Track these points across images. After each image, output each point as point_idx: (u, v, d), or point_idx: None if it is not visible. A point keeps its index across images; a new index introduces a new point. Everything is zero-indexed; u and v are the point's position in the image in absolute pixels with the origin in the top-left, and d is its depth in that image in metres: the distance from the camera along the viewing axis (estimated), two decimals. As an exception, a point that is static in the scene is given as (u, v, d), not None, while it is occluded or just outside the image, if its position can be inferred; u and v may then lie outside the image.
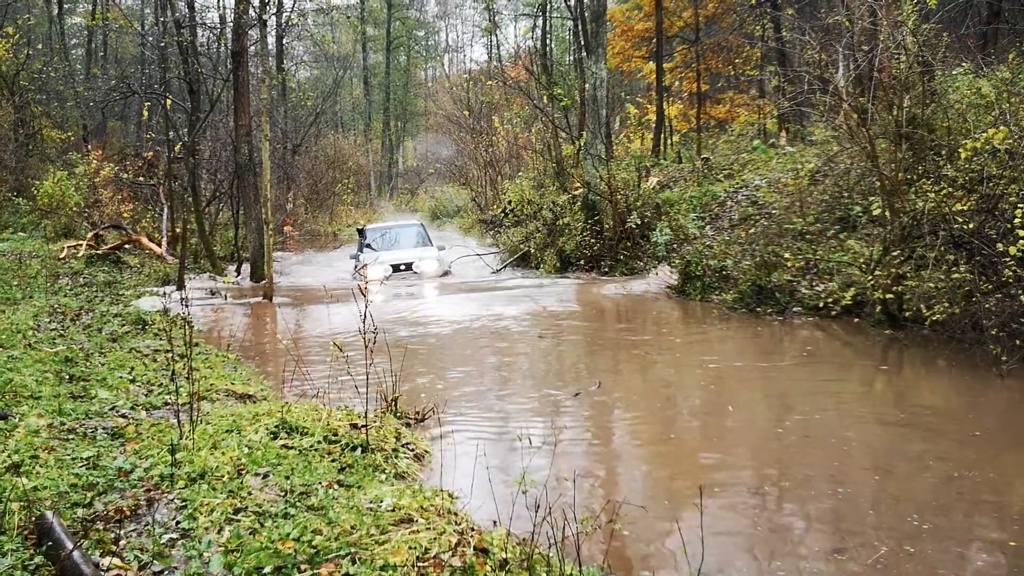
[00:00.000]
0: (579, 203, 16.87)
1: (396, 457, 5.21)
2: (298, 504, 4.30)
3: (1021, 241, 7.80)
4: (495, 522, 4.12)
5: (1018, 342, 7.50)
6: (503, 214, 22.14)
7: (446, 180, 33.24)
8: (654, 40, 23.55)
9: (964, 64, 11.19)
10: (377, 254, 17.61)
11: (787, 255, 11.24)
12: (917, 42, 10.11)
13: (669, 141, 23.27)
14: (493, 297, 13.29)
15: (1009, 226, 8.11)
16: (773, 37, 20.40)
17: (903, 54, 10.19)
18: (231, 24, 17.36)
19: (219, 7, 23.33)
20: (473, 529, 4.07)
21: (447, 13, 49.72)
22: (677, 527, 4.11)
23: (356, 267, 17.73)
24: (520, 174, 23.22)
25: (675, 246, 13.54)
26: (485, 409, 6.62)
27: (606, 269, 14.87)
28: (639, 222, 14.64)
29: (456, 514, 4.23)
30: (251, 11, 15.88)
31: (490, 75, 31.12)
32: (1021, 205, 8.02)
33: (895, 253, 9.42)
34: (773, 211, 12.66)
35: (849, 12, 11.51)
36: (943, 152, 9.86)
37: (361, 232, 19.67)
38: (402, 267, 17.06)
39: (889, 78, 10.47)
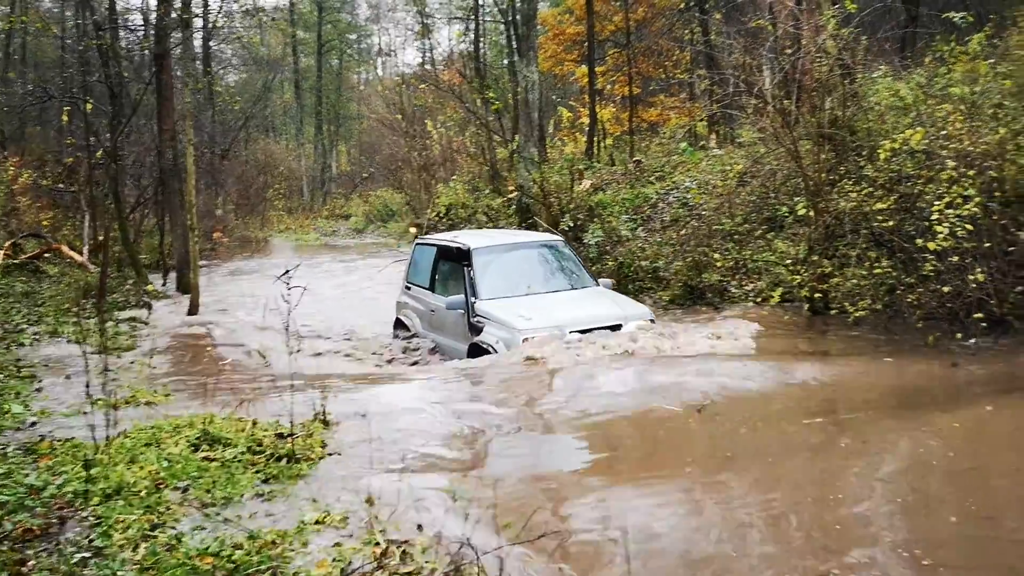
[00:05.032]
0: (513, 206, 16.86)
1: (323, 465, 5.11)
2: (218, 518, 4.19)
3: (939, 236, 8.06)
4: (419, 526, 4.05)
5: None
6: (437, 218, 22.03)
7: (380, 184, 32.95)
8: (586, 44, 23.68)
9: (883, 67, 11.48)
10: (532, 310, 8.74)
11: (717, 255, 11.41)
12: (837, 46, 10.35)
13: (602, 144, 23.44)
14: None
15: (927, 223, 8.35)
16: (701, 41, 20.69)
17: (824, 57, 10.42)
18: (154, 26, 16.95)
19: (142, 9, 22.79)
20: (401, 539, 4.00)
21: (379, 16, 49.34)
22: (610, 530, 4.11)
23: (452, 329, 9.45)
24: (454, 178, 23.13)
25: (608, 248, 13.60)
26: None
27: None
28: (572, 224, 14.69)
29: (384, 523, 4.16)
30: (174, 13, 15.52)
31: (423, 79, 30.96)
32: (937, 203, 8.27)
33: (819, 252, 9.62)
34: (703, 212, 12.82)
35: (772, 16, 11.75)
36: (864, 153, 10.11)
37: (464, 254, 9.55)
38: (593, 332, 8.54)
39: (811, 81, 10.70)
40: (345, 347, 10.68)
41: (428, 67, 35.53)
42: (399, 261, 19.61)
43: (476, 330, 8.82)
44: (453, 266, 9.92)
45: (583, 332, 8.32)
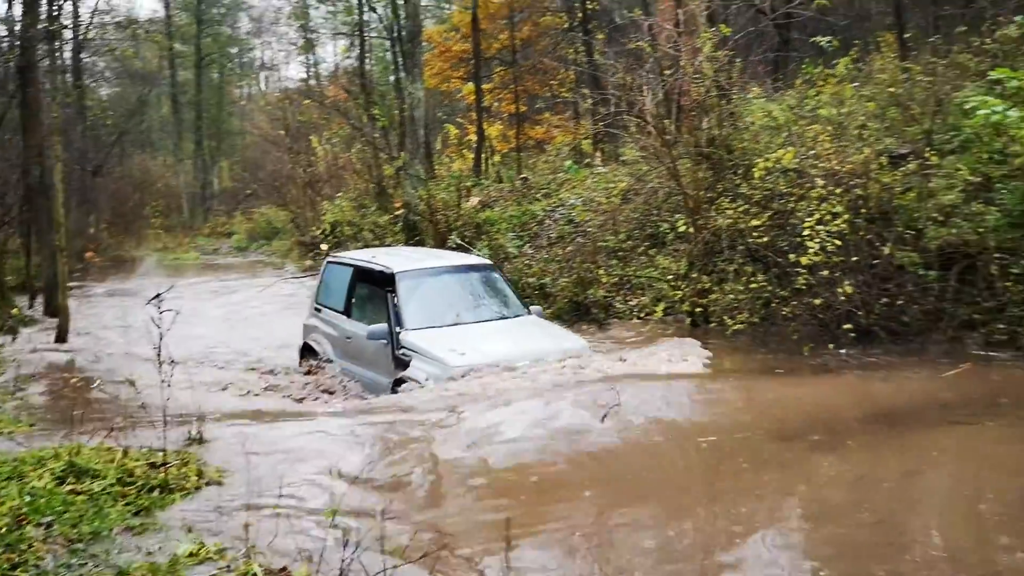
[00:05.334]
0: (400, 223, 16.75)
1: (198, 495, 4.91)
2: (85, 554, 3.96)
3: (810, 251, 8.43)
4: (303, 557, 3.94)
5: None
6: (323, 235, 21.66)
7: (264, 201, 32.19)
8: (472, 61, 23.81)
9: (756, 89, 11.95)
10: (464, 342, 8.04)
11: (601, 272, 11.60)
12: (713, 68, 10.71)
13: (489, 161, 23.57)
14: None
15: (799, 239, 8.70)
16: (585, 61, 21.06)
17: (701, 79, 10.76)
18: (19, 37, 16.11)
19: (6, 19, 21.68)
20: (279, 568, 3.88)
21: (261, 30, 48.26)
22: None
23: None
24: (340, 195, 22.82)
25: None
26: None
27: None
28: (458, 242, 14.69)
29: (261, 553, 4.02)
30: (40, 24, 14.82)
31: (307, 94, 30.48)
32: (808, 220, 8.64)
33: (699, 267, 9.92)
34: (588, 229, 13.02)
35: (652, 38, 12.06)
36: (740, 171, 10.48)
37: (387, 279, 8.76)
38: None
39: (690, 101, 11.04)
40: (230, 375, 10.32)
41: (313, 82, 35.04)
42: (285, 280, 19.23)
43: (402, 364, 8.04)
44: (373, 290, 9.11)
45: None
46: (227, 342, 12.49)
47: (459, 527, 4.62)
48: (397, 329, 8.27)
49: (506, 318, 8.91)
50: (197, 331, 12.11)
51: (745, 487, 5.15)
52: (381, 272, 8.93)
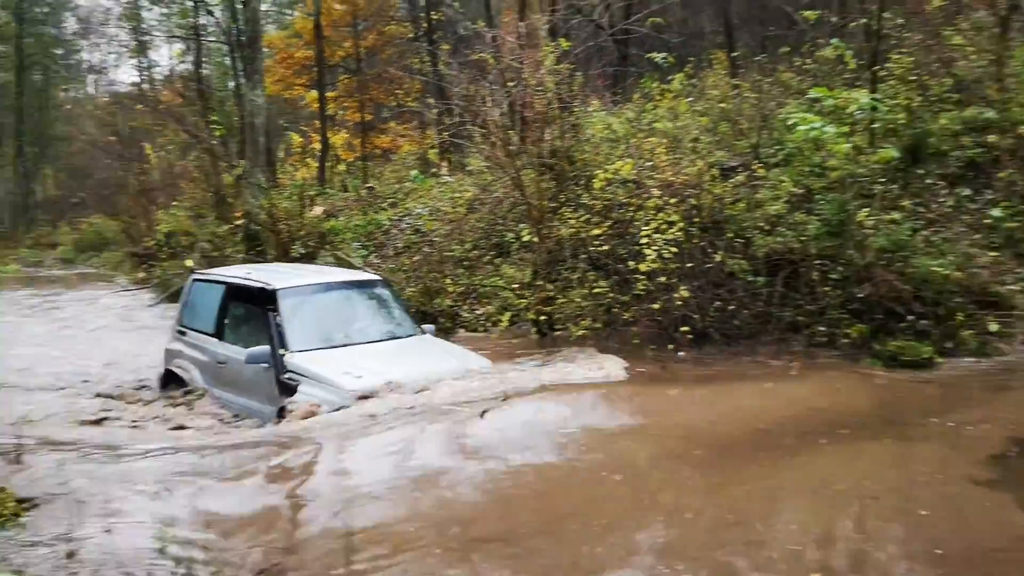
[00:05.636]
0: (240, 234, 16.23)
1: (16, 524, 4.56)
2: None
3: (648, 259, 8.75)
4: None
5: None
6: (157, 247, 20.70)
7: (93, 211, 30.43)
8: (316, 68, 23.40)
9: (596, 102, 12.30)
10: (359, 364, 7.41)
11: (448, 281, 11.62)
12: (555, 80, 10.93)
13: (335, 170, 23.19)
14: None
15: (638, 247, 9.01)
16: (430, 71, 21.08)
17: (543, 91, 10.97)
18: None
19: None
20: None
21: (89, 31, 45.60)
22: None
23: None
24: (176, 204, 21.90)
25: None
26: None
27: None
28: (302, 252, 14.37)
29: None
30: None
31: (140, 99, 29.07)
32: (646, 228, 8.97)
33: (543, 276, 10.09)
34: (435, 239, 13.02)
35: (495, 51, 12.20)
36: (581, 182, 10.75)
37: (267, 296, 7.99)
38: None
39: (532, 113, 11.22)
40: (53, 397, 9.61)
41: (146, 87, 33.47)
42: (118, 292, 18.26)
43: (288, 389, 7.29)
44: (249, 309, 8.33)
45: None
46: (53, 361, 11.66)
47: (303, 548, 4.47)
48: (281, 351, 7.53)
49: (399, 337, 8.31)
50: (16, 350, 11.32)
51: (608, 495, 5.18)
52: (260, 289, 8.14)
